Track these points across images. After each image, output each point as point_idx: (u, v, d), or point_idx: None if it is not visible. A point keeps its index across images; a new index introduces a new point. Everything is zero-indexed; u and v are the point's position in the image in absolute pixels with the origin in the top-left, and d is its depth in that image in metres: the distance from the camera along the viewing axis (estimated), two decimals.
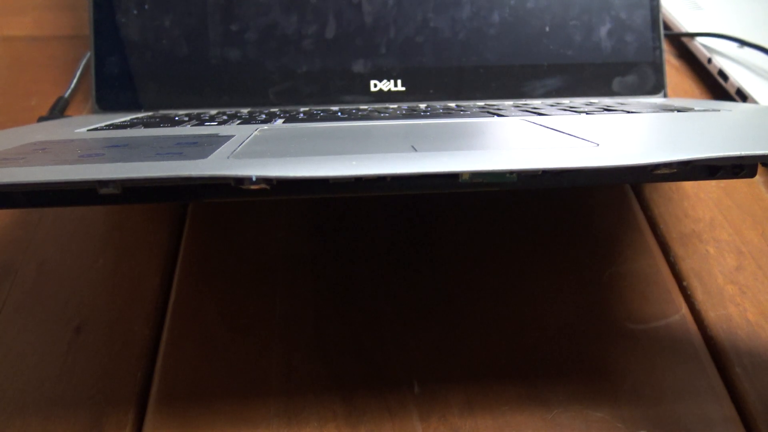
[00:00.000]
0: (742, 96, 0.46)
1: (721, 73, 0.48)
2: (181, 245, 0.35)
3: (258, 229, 0.36)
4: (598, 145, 0.19)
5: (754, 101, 0.45)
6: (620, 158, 0.17)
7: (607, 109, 0.32)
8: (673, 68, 0.52)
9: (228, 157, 0.19)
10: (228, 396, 0.28)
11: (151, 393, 0.28)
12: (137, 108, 0.38)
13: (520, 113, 0.31)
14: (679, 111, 0.31)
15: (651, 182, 0.39)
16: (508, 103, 0.39)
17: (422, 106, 0.38)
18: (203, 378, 0.28)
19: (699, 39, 0.52)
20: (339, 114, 0.33)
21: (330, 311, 0.31)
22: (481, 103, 0.39)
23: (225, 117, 0.33)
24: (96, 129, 0.29)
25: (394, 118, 0.30)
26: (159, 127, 0.29)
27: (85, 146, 0.22)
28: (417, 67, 0.40)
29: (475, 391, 0.28)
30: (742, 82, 0.46)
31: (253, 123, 0.29)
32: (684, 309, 0.32)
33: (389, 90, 0.40)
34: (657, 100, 0.41)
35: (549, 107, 0.35)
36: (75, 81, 0.46)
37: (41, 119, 0.40)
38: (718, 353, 0.30)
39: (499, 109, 0.34)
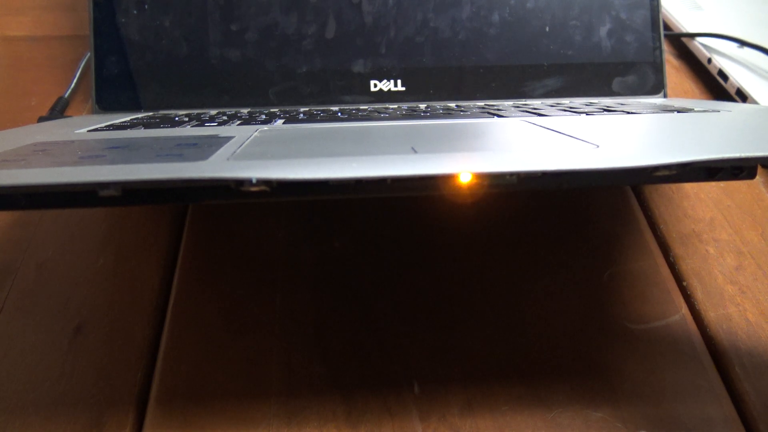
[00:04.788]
0: (742, 96, 0.46)
1: (721, 73, 0.48)
2: (181, 245, 0.35)
3: (258, 230, 0.36)
4: (597, 146, 0.19)
5: (754, 101, 0.45)
6: (620, 160, 0.17)
7: (607, 110, 0.32)
8: (673, 68, 0.52)
9: (228, 159, 0.19)
10: (228, 396, 0.28)
11: (151, 393, 0.28)
12: (137, 108, 0.38)
13: (520, 114, 0.31)
14: (678, 111, 0.31)
15: (650, 183, 0.39)
16: (508, 103, 0.39)
17: (422, 106, 0.38)
18: (203, 378, 0.28)
19: (699, 39, 0.52)
20: (339, 114, 0.33)
21: (330, 311, 0.31)
22: (481, 103, 0.39)
23: (225, 117, 0.33)
24: (96, 130, 0.29)
25: (394, 118, 0.30)
26: (159, 127, 0.29)
27: (86, 147, 0.22)
28: (417, 67, 0.40)
29: (475, 391, 0.28)
30: (742, 82, 0.46)
31: (253, 123, 0.29)
32: (684, 309, 0.32)
33: (389, 90, 0.40)
34: (657, 100, 0.41)
35: (549, 107, 0.35)
36: (75, 81, 0.46)
37: (41, 119, 0.40)
38: (718, 353, 0.30)
39: (499, 110, 0.34)
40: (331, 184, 0.17)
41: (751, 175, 0.22)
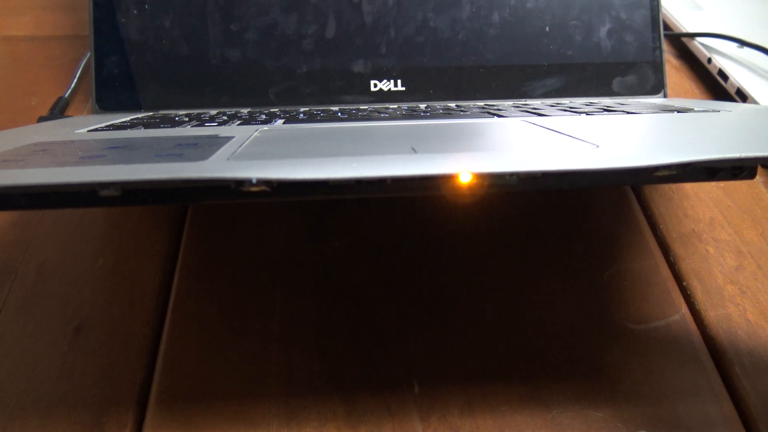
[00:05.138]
0: (741, 96, 0.46)
1: (721, 73, 0.48)
2: (181, 245, 0.35)
3: (258, 229, 0.36)
4: (597, 146, 0.19)
5: (754, 101, 0.45)
6: (620, 160, 0.17)
7: (607, 110, 0.32)
8: (673, 68, 0.52)
9: (228, 159, 0.19)
10: (228, 396, 0.28)
11: (151, 393, 0.28)
12: (137, 108, 0.38)
13: (520, 113, 0.31)
14: (678, 111, 0.31)
15: (651, 184, 0.39)
16: (508, 103, 0.39)
17: (422, 106, 0.38)
18: (203, 378, 0.28)
19: (699, 39, 0.52)
20: (339, 114, 0.33)
21: (330, 311, 0.31)
22: (481, 103, 0.39)
23: (225, 117, 0.33)
24: (96, 130, 0.29)
25: (394, 118, 0.30)
26: (159, 127, 0.29)
27: (86, 147, 0.22)
28: (417, 67, 0.40)
29: (475, 391, 0.28)
30: (742, 82, 0.46)
31: (253, 123, 0.29)
32: (684, 309, 0.32)
33: (389, 90, 0.40)
34: (657, 100, 0.41)
35: (549, 107, 0.35)
36: (75, 81, 0.46)
37: (41, 119, 0.40)
38: (717, 353, 0.30)
39: (499, 110, 0.34)
40: (331, 184, 0.17)
41: (751, 175, 0.22)
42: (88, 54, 0.41)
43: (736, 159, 0.18)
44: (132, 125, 0.30)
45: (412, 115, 0.32)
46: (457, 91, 0.40)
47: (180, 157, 0.19)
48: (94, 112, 0.38)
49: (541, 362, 0.29)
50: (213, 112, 0.37)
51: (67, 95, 0.44)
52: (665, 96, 0.41)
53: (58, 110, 0.42)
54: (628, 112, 0.31)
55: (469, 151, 0.19)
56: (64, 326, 0.30)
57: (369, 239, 0.35)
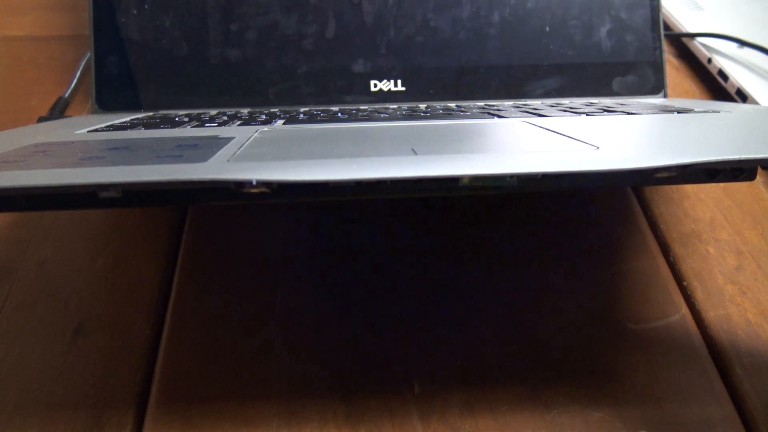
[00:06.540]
0: (742, 96, 0.46)
1: (721, 73, 0.48)
2: (181, 245, 0.35)
3: (258, 229, 0.36)
4: (597, 148, 0.20)
5: (754, 101, 0.45)
6: (619, 162, 0.17)
7: (607, 110, 0.32)
8: (673, 68, 0.52)
9: (228, 161, 0.19)
10: (228, 396, 0.28)
11: (151, 393, 0.28)
12: (137, 108, 0.38)
13: (520, 114, 0.31)
14: (678, 112, 0.31)
15: (650, 185, 0.39)
16: (508, 103, 0.39)
17: (422, 106, 0.38)
18: (203, 378, 0.28)
19: (699, 39, 0.52)
20: (339, 114, 0.33)
21: (330, 311, 0.31)
22: (481, 104, 0.39)
23: (225, 117, 0.33)
24: (96, 130, 0.29)
25: (394, 119, 0.30)
26: (159, 128, 0.29)
27: (86, 149, 0.22)
28: (417, 67, 0.40)
29: (475, 391, 0.28)
30: (742, 82, 0.46)
31: (254, 124, 0.29)
32: (684, 309, 0.32)
33: (389, 90, 0.40)
34: (657, 100, 0.41)
35: (549, 108, 0.35)
36: (75, 81, 0.46)
37: (41, 119, 0.40)
38: (718, 353, 0.30)
39: (499, 110, 0.34)
40: (331, 185, 0.17)
41: (751, 177, 0.22)
42: (88, 54, 0.41)
43: (736, 161, 0.18)
44: (132, 126, 0.30)
45: (412, 115, 0.32)
46: (457, 91, 0.40)
47: (180, 159, 0.19)
48: (94, 112, 0.38)
49: (541, 362, 0.29)
50: (213, 112, 0.37)
51: (67, 95, 0.44)
52: (665, 96, 0.41)
53: (58, 110, 0.42)
54: (628, 113, 0.31)
55: (469, 153, 0.19)
56: (64, 326, 0.30)
57: (369, 239, 0.35)
